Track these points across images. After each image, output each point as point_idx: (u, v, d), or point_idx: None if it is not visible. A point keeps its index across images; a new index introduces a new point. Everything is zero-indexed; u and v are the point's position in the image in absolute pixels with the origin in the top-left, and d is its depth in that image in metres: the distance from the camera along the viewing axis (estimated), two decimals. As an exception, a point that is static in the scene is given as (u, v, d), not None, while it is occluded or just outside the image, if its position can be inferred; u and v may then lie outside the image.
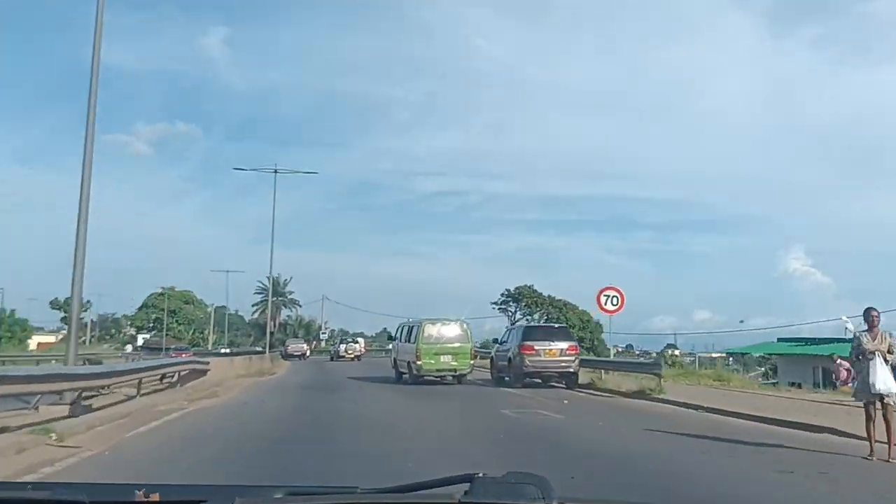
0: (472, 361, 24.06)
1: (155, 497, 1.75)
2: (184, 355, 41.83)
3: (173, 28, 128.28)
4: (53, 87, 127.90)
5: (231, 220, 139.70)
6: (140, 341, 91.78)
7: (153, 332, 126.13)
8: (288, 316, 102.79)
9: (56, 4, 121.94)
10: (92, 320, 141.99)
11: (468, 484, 1.67)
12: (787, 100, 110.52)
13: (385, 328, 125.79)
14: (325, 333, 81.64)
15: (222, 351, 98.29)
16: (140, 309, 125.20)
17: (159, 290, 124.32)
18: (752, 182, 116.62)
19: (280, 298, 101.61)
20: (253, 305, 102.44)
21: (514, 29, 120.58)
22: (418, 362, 23.38)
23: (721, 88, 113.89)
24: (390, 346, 31.85)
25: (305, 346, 67.18)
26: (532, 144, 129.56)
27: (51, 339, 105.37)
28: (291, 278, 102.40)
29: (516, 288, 73.51)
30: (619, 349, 47.32)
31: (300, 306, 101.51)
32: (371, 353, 75.68)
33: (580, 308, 68.91)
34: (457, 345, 23.57)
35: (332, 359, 51.69)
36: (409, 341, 24.62)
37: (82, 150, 14.22)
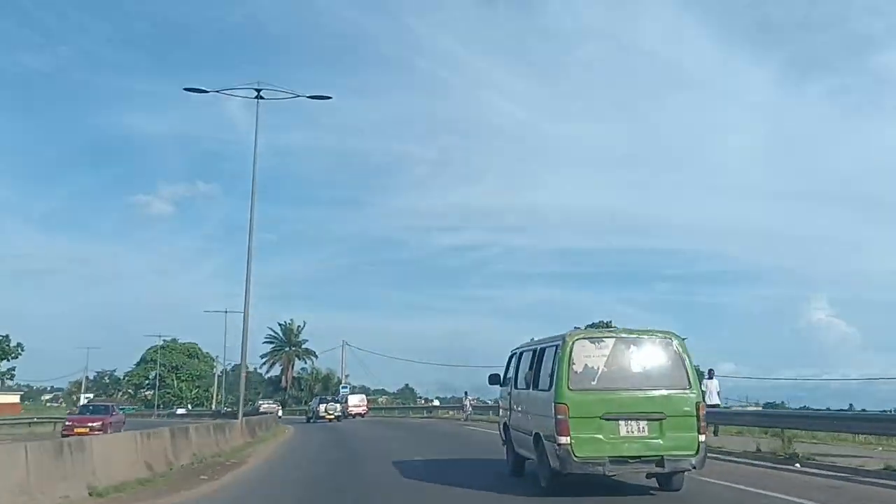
0: (701, 434, 11.01)
1: None
2: (97, 421, 29.31)
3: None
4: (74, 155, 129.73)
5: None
6: (83, 400, 79.03)
7: (153, 391, 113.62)
8: (302, 369, 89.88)
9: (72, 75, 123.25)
10: (87, 377, 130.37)
11: None
12: (804, 151, 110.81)
13: (407, 384, 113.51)
14: (345, 388, 68.53)
15: (178, 412, 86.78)
16: (138, 364, 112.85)
17: (159, 343, 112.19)
18: (771, 233, 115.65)
19: (293, 349, 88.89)
20: (262, 357, 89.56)
21: (529, 86, 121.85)
22: (565, 439, 10.23)
23: (738, 140, 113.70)
24: (497, 396, 16.00)
25: (277, 406, 61.29)
26: (548, 198, 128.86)
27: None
28: (305, 324, 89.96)
29: (597, 322, 60.63)
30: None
31: (316, 357, 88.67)
32: (381, 411, 64.65)
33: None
34: (663, 393, 10.58)
35: (308, 420, 46.89)
36: (536, 385, 11.63)
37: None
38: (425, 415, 51.44)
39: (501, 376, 14.01)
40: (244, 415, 27.36)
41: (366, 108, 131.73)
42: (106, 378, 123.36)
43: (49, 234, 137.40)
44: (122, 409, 43.89)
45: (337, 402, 52.17)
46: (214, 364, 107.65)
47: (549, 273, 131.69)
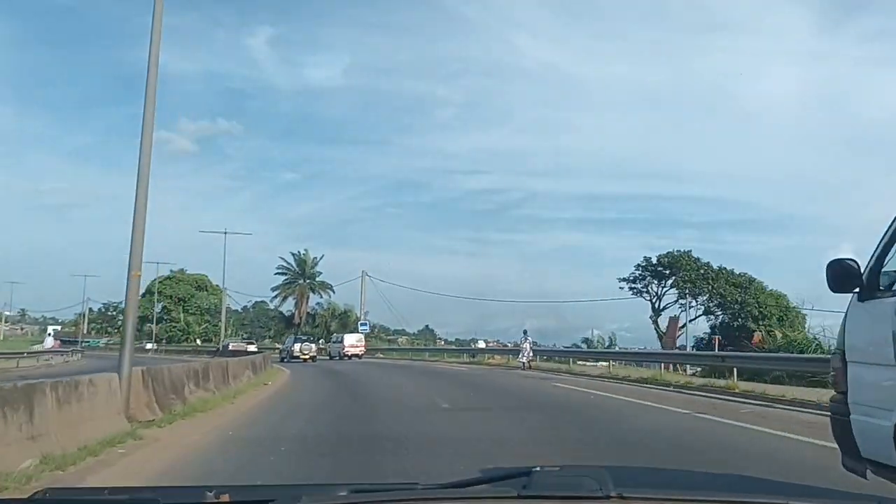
0: None
1: (225, 498, 1.75)
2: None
3: (219, 28, 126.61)
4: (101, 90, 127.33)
5: (271, 218, 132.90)
6: (50, 332, 72.39)
7: (161, 325, 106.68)
8: (318, 304, 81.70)
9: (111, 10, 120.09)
10: (91, 309, 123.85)
11: (527, 477, 1.65)
12: (836, 97, 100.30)
13: (427, 325, 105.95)
14: (364, 325, 60.30)
15: (146, 346, 79.15)
16: (143, 296, 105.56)
17: (167, 273, 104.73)
18: (799, 181, 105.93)
19: (308, 282, 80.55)
20: (272, 290, 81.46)
21: (557, 26, 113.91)
22: None
23: (770, 85, 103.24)
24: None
25: (246, 346, 57.59)
26: (574, 143, 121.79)
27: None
28: (322, 256, 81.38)
29: (664, 256, 51.36)
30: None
31: (332, 291, 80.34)
32: (406, 353, 56.38)
33: (768, 287, 46.95)
34: None
35: (282, 360, 42.82)
36: None
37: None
38: (466, 358, 42.84)
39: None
40: (219, 353, 19.07)
41: (392, 48, 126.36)
42: (111, 310, 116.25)
43: (79, 168, 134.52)
44: (86, 342, 36.21)
45: (311, 342, 49.89)
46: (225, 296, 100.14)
47: (573, 218, 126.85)
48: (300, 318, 79.78)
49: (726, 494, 2.06)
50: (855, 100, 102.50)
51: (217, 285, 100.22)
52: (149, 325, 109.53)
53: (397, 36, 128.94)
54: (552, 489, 1.64)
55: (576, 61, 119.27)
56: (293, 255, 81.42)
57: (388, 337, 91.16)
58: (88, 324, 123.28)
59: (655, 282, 51.21)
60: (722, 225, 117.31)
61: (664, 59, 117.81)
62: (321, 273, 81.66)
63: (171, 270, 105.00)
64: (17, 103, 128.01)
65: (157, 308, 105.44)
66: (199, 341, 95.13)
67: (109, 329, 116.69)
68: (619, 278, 52.57)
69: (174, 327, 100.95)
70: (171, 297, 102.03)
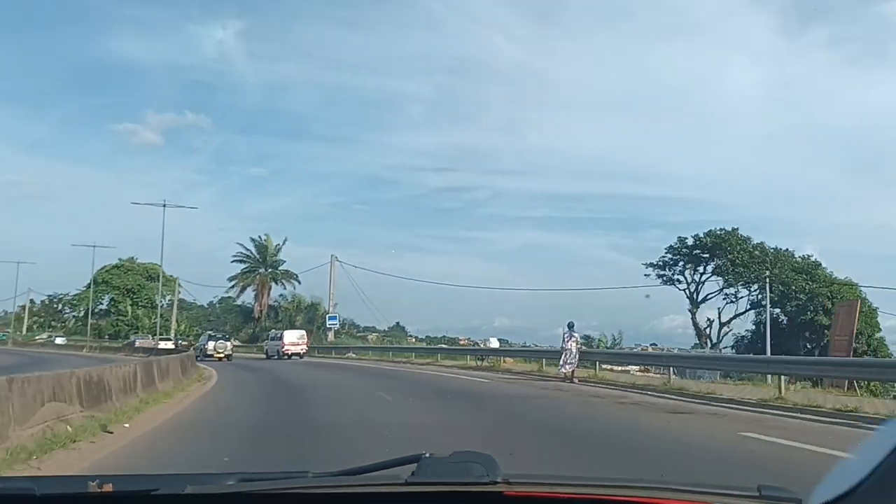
0: None
1: (108, 487, 1.73)
2: None
3: (188, 22, 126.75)
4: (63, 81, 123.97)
5: (237, 213, 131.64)
6: None
7: (108, 319, 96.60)
8: (281, 296, 72.56)
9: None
10: (32, 301, 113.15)
11: (416, 464, 1.68)
12: (801, 100, 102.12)
13: (398, 322, 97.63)
14: (333, 318, 51.47)
15: (56, 341, 73.35)
16: (89, 286, 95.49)
17: (116, 262, 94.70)
18: (764, 183, 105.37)
19: (270, 270, 71.42)
20: (229, 280, 72.17)
21: (527, 25, 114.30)
22: None
23: (735, 88, 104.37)
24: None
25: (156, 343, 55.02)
26: (542, 142, 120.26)
27: None
28: (285, 241, 72.36)
29: (705, 236, 42.63)
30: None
31: (298, 281, 71.27)
32: (389, 354, 47.29)
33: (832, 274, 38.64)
34: None
35: (198, 357, 37.85)
36: None
37: None
38: (469, 362, 33.81)
39: None
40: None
41: (361, 44, 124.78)
42: (56, 302, 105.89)
43: (39, 160, 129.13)
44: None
45: (226, 339, 46.82)
46: (178, 288, 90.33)
47: (540, 217, 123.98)
48: (261, 311, 70.62)
49: (609, 482, 1.88)
50: (817, 103, 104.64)
51: (172, 276, 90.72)
52: (94, 318, 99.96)
53: (365, 32, 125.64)
54: (440, 475, 1.66)
55: (543, 61, 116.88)
56: (253, 240, 72.33)
57: (359, 334, 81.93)
58: (30, 317, 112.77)
59: (691, 267, 42.66)
60: (688, 225, 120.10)
61: (631, 60, 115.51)
62: (285, 262, 72.53)
63: (120, 259, 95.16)
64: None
65: (105, 301, 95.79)
66: (152, 337, 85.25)
67: (54, 323, 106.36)
68: (646, 263, 44.20)
69: (120, 320, 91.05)
70: (118, 288, 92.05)
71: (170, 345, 48.81)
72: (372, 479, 1.76)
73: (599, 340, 47.41)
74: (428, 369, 28.90)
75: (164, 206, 49.05)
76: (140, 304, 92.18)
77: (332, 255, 52.96)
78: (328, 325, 50.76)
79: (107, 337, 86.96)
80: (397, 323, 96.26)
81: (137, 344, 48.93)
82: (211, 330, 64.89)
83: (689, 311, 42.84)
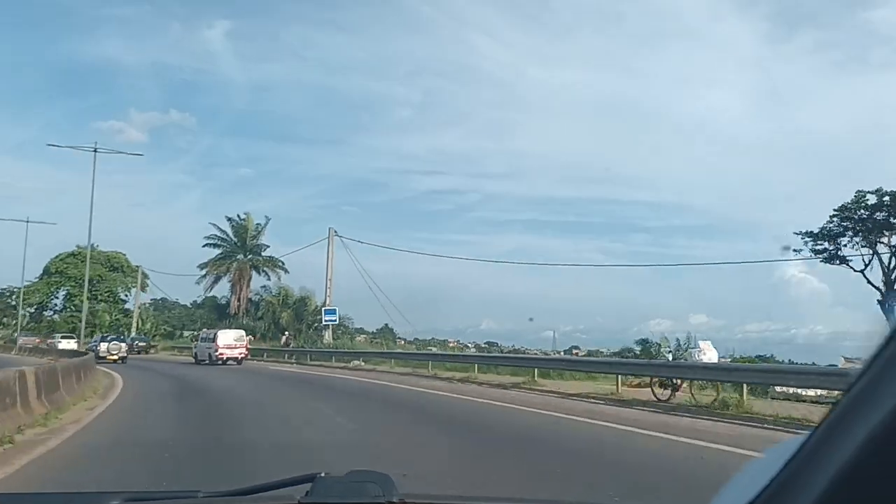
0: None
1: None
2: None
3: (174, 21, 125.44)
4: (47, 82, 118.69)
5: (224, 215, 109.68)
6: None
7: (61, 313, 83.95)
8: (264, 288, 60.45)
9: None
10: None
11: (310, 484, 1.66)
12: (785, 105, 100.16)
13: (387, 324, 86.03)
14: (331, 313, 39.54)
15: None
16: (40, 277, 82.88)
17: (74, 249, 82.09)
18: (750, 188, 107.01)
19: (249, 256, 59.39)
20: (200, 267, 59.95)
21: (516, 29, 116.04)
22: None
23: (722, 93, 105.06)
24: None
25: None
26: (531, 145, 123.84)
27: None
28: (269, 221, 60.38)
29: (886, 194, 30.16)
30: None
31: (283, 269, 59.22)
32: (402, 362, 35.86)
33: None
34: None
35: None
36: None
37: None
38: (520, 377, 21.92)
39: None
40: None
41: (349, 46, 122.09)
42: (9, 296, 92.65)
43: (25, 162, 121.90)
44: None
45: (122, 340, 42.59)
46: (146, 282, 77.76)
47: (528, 220, 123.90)
48: (238, 306, 58.46)
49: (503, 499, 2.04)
50: (799, 109, 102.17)
51: (139, 266, 78.07)
52: (47, 313, 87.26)
53: (353, 34, 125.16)
54: (335, 496, 1.62)
55: (532, 65, 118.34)
56: (229, 219, 60.11)
57: (111, 338, 64.86)
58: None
59: (853, 235, 30.47)
60: (675, 230, 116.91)
61: (619, 65, 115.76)
62: (268, 247, 60.38)
63: (78, 246, 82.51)
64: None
65: (63, 293, 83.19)
66: (125, 336, 72.57)
67: (5, 319, 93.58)
68: (800, 232, 32.25)
69: (74, 317, 78.46)
70: (73, 278, 79.39)
71: (72, 345, 42.77)
72: (265, 498, 1.75)
73: (661, 346, 35.86)
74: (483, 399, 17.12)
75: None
76: (100, 297, 79.56)
77: (329, 229, 41.10)
78: (325, 322, 38.93)
79: (58, 337, 74.81)
80: (386, 325, 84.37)
81: (20, 342, 42.80)
82: (231, 325, 53.42)
83: (879, 300, 30.46)
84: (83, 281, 79.99)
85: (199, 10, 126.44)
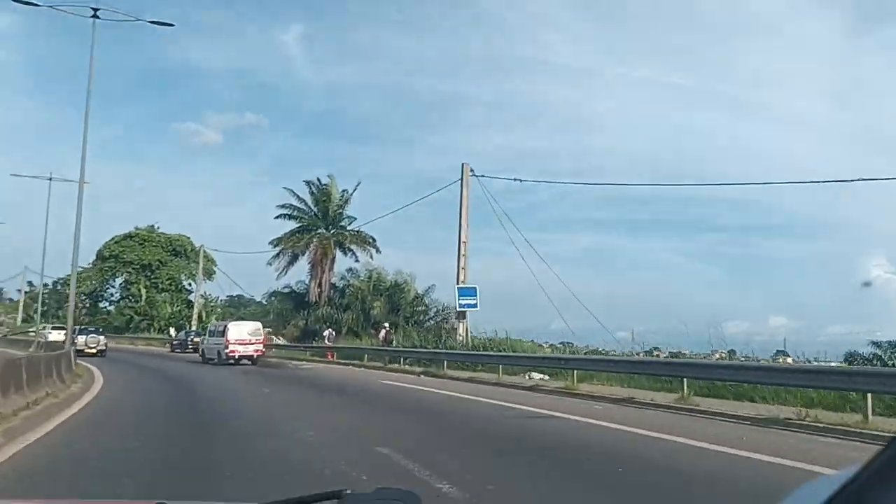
0: None
1: None
2: None
3: (250, 24, 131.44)
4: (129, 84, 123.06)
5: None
6: None
7: (118, 305, 73.78)
8: (350, 270, 48.08)
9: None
10: (30, 283, 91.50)
11: (336, 501, 1.63)
12: (871, 101, 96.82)
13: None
14: (469, 295, 26.10)
15: None
16: (94, 263, 72.93)
17: (130, 231, 71.85)
18: (830, 188, 69.69)
19: (333, 230, 47.02)
20: (272, 244, 47.91)
21: (588, 26, 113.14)
22: None
23: (801, 88, 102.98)
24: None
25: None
26: (602, 143, 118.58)
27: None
28: (358, 185, 48.04)
29: None
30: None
31: (376, 249, 46.61)
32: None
33: None
34: None
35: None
36: None
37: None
38: None
39: None
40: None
41: (419, 45, 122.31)
42: (61, 286, 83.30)
43: (108, 162, 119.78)
44: None
45: (99, 333, 41.24)
46: (212, 267, 66.48)
47: (600, 219, 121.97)
48: (319, 292, 46.13)
49: None
50: (886, 104, 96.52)
51: (202, 246, 66.67)
52: (102, 304, 77.30)
53: (423, 34, 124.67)
54: None
55: (604, 61, 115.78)
56: (308, 184, 47.78)
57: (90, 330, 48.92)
58: (34, 303, 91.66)
59: None
60: (753, 229, 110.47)
61: (694, 60, 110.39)
62: (355, 219, 47.80)
63: (137, 227, 72.27)
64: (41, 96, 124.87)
65: (118, 281, 73.01)
66: (173, 331, 62.01)
67: (60, 312, 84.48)
68: None
69: (131, 308, 68.08)
70: (130, 263, 69.01)
71: (60, 337, 37.61)
72: None
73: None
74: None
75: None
76: (160, 286, 68.97)
77: (464, 165, 27.68)
78: (460, 307, 25.59)
79: (49, 328, 64.52)
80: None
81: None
82: (310, 319, 43.04)
83: None
84: (142, 266, 69.80)
85: (275, 14, 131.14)
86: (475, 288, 26.22)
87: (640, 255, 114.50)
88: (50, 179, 38.66)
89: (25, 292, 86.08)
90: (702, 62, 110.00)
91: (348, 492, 1.63)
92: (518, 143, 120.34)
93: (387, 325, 34.16)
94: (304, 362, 32.95)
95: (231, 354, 30.54)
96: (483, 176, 27.32)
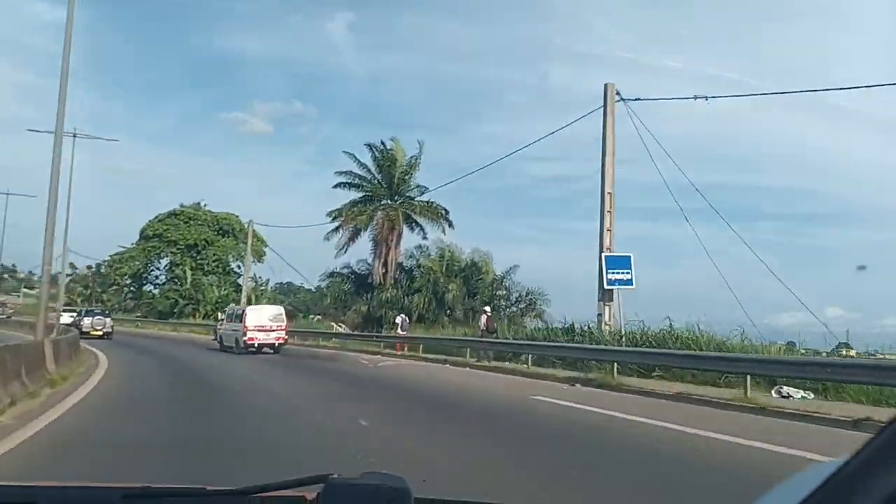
0: None
1: None
2: None
3: (297, 14, 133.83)
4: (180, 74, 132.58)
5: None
6: None
7: (162, 289, 68.76)
8: (418, 248, 41.77)
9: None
10: (72, 265, 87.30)
11: (322, 485, 1.59)
12: None
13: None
14: (622, 267, 19.15)
15: None
16: (137, 243, 68.04)
17: (175, 208, 66.69)
18: (887, 175, 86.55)
19: (399, 200, 40.73)
20: (329, 216, 41.84)
21: (635, 10, 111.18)
22: None
23: (855, 73, 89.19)
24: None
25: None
26: (648, 129, 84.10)
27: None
28: (422, 144, 41.63)
29: None
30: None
31: (448, 222, 40.19)
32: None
33: None
34: None
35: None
36: None
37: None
38: None
39: None
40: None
41: (463, 33, 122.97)
42: (108, 268, 78.85)
43: (161, 150, 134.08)
44: None
45: (105, 315, 42.69)
46: (263, 247, 60.63)
47: (646, 208, 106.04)
48: (384, 273, 39.89)
49: None
50: None
51: (248, 223, 60.80)
52: (149, 287, 72.41)
53: (467, 20, 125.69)
54: (347, 498, 1.54)
55: (651, 48, 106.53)
56: (370, 148, 41.37)
57: (95, 312, 45.27)
58: (75, 286, 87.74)
59: None
60: (807, 218, 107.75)
61: (743, 44, 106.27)
62: (425, 188, 41.25)
63: (182, 205, 67.04)
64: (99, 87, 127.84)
65: (164, 262, 67.98)
66: (221, 315, 56.64)
67: (104, 296, 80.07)
68: None
69: (176, 291, 62.87)
70: (175, 243, 63.79)
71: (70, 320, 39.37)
72: (274, 497, 1.69)
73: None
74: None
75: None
76: (207, 268, 63.65)
77: (607, 85, 20.33)
78: (608, 283, 18.16)
79: (176, 314, 59.23)
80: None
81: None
82: (378, 299, 37.86)
83: None
84: (187, 246, 64.54)
85: (322, 2, 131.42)
86: (629, 257, 19.18)
87: (685, 243, 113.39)
88: (74, 136, 32.85)
89: (68, 275, 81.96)
90: (748, 47, 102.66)
91: (334, 475, 1.57)
92: (563, 131, 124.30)
93: (487, 308, 27.54)
94: (375, 356, 26.66)
95: (250, 342, 27.70)
96: (637, 99, 19.87)
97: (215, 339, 32.92)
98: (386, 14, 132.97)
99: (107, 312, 44.77)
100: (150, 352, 27.18)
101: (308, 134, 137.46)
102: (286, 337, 29.82)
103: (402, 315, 31.83)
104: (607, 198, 19.16)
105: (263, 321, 28.76)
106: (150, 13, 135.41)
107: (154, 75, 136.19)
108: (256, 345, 27.87)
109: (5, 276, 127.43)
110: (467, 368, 19.97)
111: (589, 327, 19.76)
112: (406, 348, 28.56)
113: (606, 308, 19.03)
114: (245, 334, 27.93)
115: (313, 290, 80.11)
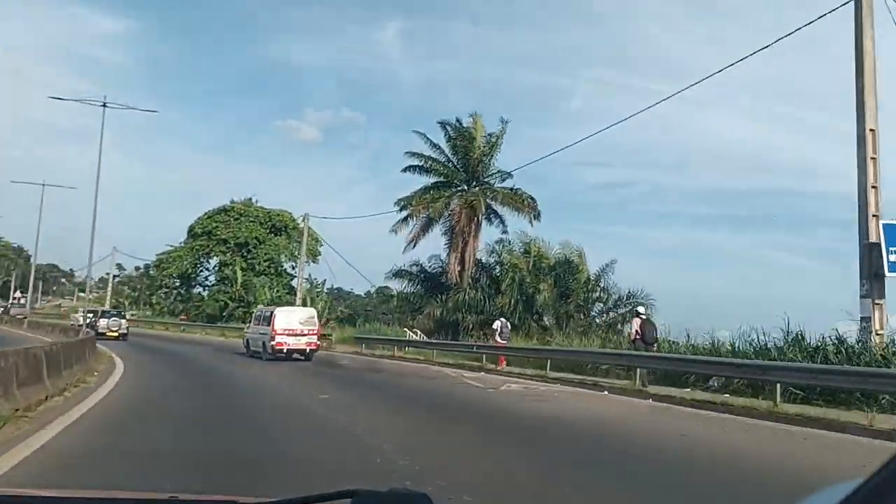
0: None
1: None
2: None
3: (350, 24, 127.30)
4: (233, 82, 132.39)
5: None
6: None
7: (211, 290, 64.38)
8: (500, 242, 36.06)
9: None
10: (119, 266, 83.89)
11: (349, 500, 1.61)
12: None
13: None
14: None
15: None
16: (186, 242, 63.92)
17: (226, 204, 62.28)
18: None
19: (477, 185, 34.94)
20: (398, 205, 36.43)
21: (687, 15, 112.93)
22: None
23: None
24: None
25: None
26: (700, 135, 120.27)
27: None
28: (506, 122, 35.87)
29: None
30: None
31: (535, 212, 34.26)
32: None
33: None
34: None
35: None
36: None
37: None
38: None
39: None
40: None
41: (516, 40, 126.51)
42: (155, 267, 75.03)
43: (210, 157, 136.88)
44: None
45: (122, 316, 42.86)
46: (318, 246, 55.60)
47: (697, 214, 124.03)
48: (460, 271, 34.29)
49: None
50: None
51: (301, 218, 55.86)
52: (198, 289, 68.23)
53: (520, 28, 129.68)
54: None
55: (704, 52, 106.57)
56: (443, 126, 35.85)
57: (111, 314, 45.08)
58: (123, 288, 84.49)
59: None
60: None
61: (797, 50, 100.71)
62: (508, 174, 35.53)
63: (233, 201, 62.61)
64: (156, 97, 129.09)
65: (213, 262, 63.68)
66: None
67: (153, 298, 76.35)
68: None
69: (226, 293, 58.29)
70: (225, 241, 59.34)
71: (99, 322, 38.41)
72: None
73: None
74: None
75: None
76: (258, 267, 59.03)
77: None
78: (891, 264, 12.47)
79: (226, 317, 54.70)
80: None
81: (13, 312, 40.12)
82: (458, 299, 32.76)
83: None
84: (237, 244, 60.02)
85: (374, 11, 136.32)
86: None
87: (741, 251, 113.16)
88: (104, 105, 28.08)
89: (115, 276, 78.79)
90: (802, 53, 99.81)
91: (360, 490, 1.59)
92: (613, 137, 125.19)
93: (641, 310, 21.60)
94: (467, 371, 20.96)
95: (278, 347, 25.81)
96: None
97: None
98: (435, 21, 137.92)
99: (122, 314, 45.09)
100: (163, 353, 24.72)
101: (358, 141, 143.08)
102: (318, 342, 27.92)
103: (502, 319, 26.02)
104: (868, 137, 13.14)
105: (294, 324, 26.64)
106: (203, 25, 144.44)
107: (210, 84, 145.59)
108: (286, 350, 25.97)
109: (63, 280, 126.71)
110: (650, 401, 13.60)
111: (839, 339, 13.20)
112: (506, 361, 22.91)
113: (877, 308, 12.83)
114: (273, 339, 25.98)
115: (363, 295, 75.39)
